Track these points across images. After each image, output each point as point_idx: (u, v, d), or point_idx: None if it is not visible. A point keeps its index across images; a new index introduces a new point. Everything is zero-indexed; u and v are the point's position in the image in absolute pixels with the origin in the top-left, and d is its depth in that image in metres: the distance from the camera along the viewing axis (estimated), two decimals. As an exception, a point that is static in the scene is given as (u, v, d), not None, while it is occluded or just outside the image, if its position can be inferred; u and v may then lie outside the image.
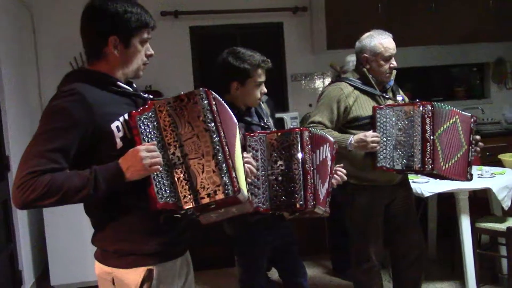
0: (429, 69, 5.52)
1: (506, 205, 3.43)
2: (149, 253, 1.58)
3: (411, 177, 3.38)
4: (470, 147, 2.64)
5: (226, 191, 1.51)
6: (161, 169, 1.49)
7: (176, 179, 1.52)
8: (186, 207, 1.51)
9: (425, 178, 3.37)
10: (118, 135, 1.52)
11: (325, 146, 2.24)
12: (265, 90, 2.37)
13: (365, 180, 2.74)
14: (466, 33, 4.95)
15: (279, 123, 4.44)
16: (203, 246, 3.86)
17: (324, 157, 2.23)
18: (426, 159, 2.55)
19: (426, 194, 3.31)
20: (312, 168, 2.15)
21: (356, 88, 2.74)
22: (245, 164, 1.81)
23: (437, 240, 4.23)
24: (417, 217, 3.05)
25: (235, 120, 1.78)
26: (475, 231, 3.46)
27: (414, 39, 4.74)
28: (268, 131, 2.28)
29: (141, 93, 1.66)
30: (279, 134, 2.19)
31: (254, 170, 1.95)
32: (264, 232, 2.38)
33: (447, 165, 2.60)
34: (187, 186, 1.52)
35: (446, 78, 5.74)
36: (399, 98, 2.82)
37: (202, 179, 1.52)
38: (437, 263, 4.15)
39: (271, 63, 2.36)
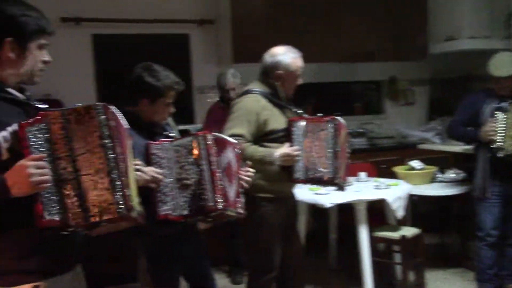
0: (330, 85, 5.72)
1: (399, 214, 3.63)
2: (30, 271, 1.49)
3: (312, 189, 3.49)
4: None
5: (119, 210, 1.46)
6: (49, 185, 1.41)
7: (65, 195, 1.44)
8: (74, 225, 1.44)
9: (325, 190, 3.48)
10: (4, 146, 1.43)
11: (228, 148, 2.25)
12: (173, 110, 2.36)
13: (272, 192, 2.74)
14: (365, 52, 5.22)
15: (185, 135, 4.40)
16: (100, 262, 3.68)
17: (229, 159, 2.24)
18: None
19: (327, 205, 3.42)
20: (219, 170, 2.15)
21: (269, 101, 2.75)
22: (137, 172, 1.82)
23: (338, 250, 4.38)
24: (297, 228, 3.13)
25: (128, 135, 1.74)
26: (372, 240, 3.63)
27: (317, 56, 4.90)
28: (171, 138, 2.28)
29: (35, 102, 1.56)
30: (183, 139, 2.20)
31: (159, 176, 1.95)
32: (177, 246, 2.33)
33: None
34: (77, 203, 1.44)
35: (345, 95, 5.99)
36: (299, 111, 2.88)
37: (94, 196, 1.45)
38: (338, 272, 4.29)
39: (181, 81, 2.36)
